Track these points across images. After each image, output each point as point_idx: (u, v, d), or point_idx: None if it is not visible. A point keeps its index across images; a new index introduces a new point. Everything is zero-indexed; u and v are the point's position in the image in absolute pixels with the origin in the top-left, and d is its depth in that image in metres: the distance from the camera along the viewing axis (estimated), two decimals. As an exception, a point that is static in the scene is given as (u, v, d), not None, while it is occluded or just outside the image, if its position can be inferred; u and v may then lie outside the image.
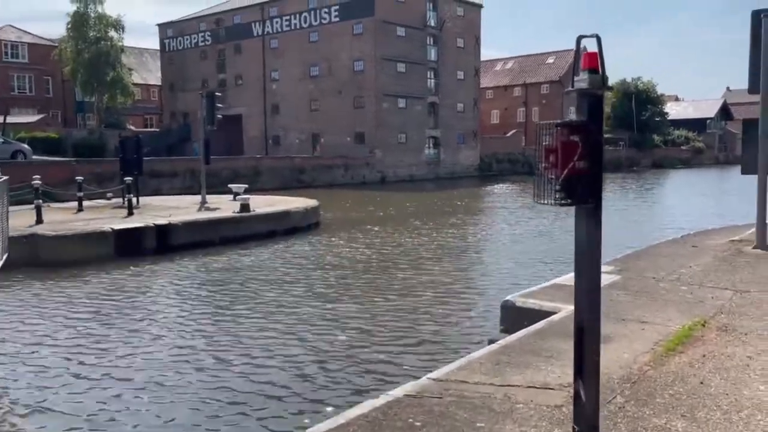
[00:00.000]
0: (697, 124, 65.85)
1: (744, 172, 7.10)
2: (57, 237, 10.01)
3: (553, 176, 2.34)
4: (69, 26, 38.32)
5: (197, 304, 7.70)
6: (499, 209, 20.45)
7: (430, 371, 3.74)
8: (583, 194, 2.44)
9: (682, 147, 61.87)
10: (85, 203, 13.76)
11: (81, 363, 5.50)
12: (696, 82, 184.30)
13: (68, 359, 5.60)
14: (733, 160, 61.78)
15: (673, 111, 65.53)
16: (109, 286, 8.59)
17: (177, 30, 46.61)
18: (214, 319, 6.95)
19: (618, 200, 21.77)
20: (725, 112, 70.69)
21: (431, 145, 39.37)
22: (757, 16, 6.61)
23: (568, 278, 5.65)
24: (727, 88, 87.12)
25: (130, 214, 12.24)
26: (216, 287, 8.65)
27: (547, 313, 4.76)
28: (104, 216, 12.21)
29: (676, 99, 76.43)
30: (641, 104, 57.49)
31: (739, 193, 20.31)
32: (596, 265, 2.66)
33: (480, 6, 42.42)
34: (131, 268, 9.76)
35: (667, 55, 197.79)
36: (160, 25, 47.82)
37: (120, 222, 11.28)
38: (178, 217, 11.98)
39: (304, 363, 5.45)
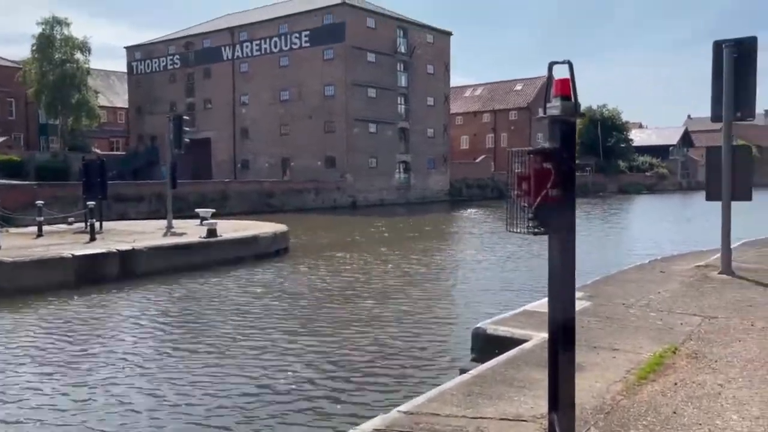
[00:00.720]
0: (660, 151, 67.69)
1: (708, 198, 7.22)
2: (14, 263, 9.63)
3: (526, 204, 2.29)
4: (34, 48, 37.75)
5: (149, 338, 7.28)
6: (468, 235, 20.52)
7: (400, 404, 3.63)
8: (556, 222, 2.39)
9: (647, 173, 63.41)
10: (46, 228, 13.31)
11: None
12: (659, 110, 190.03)
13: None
14: (695, 185, 63.57)
15: (637, 138, 67.30)
16: (58, 317, 8.15)
17: (145, 53, 46.26)
18: (163, 354, 6.57)
19: (585, 226, 22.08)
20: (687, 139, 72.94)
21: (402, 169, 39.58)
22: (718, 47, 6.78)
23: (539, 305, 5.61)
24: (688, 116, 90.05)
25: (93, 239, 11.87)
26: (173, 318, 8.34)
27: (518, 341, 4.70)
28: (65, 241, 11.82)
29: (640, 126, 78.54)
30: (607, 131, 58.88)
31: (703, 218, 20.78)
32: (570, 294, 2.60)
33: (449, 33, 43.15)
34: (91, 295, 9.41)
35: (631, 83, 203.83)
36: (128, 48, 47.40)
37: (81, 248, 10.92)
38: (142, 243, 11.67)
39: (261, 401, 5.20)
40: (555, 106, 2.40)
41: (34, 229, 13.12)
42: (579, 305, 5.50)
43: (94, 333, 7.54)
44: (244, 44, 40.13)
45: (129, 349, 6.75)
